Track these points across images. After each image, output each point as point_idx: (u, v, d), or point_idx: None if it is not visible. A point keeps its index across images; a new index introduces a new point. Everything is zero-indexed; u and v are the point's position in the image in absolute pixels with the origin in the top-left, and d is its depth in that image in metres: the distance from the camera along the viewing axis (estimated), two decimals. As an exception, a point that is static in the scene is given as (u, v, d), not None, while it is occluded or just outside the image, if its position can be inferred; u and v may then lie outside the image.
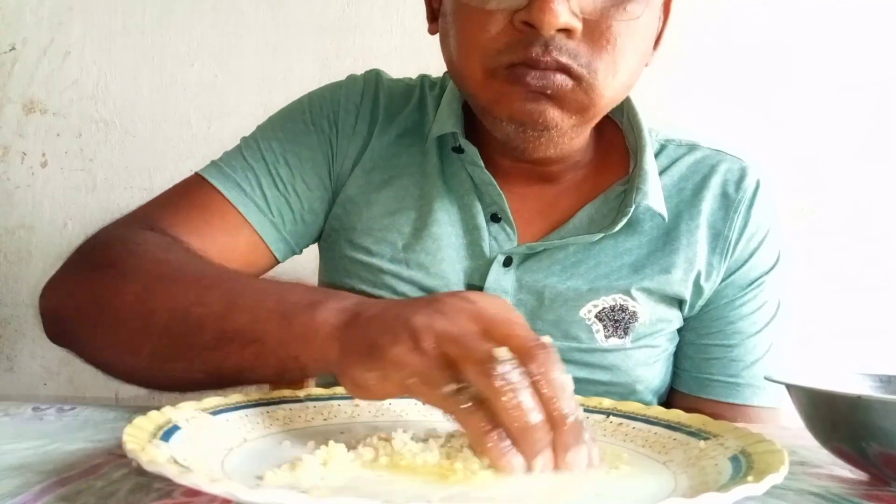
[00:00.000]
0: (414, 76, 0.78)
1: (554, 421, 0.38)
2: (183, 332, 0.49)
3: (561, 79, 0.56)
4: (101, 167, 1.33)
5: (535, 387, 0.38)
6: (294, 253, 0.73)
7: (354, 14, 1.32)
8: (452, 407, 0.39)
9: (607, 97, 0.59)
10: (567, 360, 0.65)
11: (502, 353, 0.38)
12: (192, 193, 0.68)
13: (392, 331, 0.41)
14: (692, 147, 0.73)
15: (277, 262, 0.72)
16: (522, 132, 0.60)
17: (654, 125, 0.74)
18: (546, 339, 0.40)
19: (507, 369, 0.37)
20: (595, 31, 0.56)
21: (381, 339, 0.41)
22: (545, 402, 0.38)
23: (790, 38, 1.32)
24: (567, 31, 0.55)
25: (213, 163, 0.71)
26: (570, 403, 0.38)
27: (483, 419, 0.38)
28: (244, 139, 0.73)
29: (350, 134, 0.73)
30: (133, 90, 1.34)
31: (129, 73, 1.34)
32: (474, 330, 0.40)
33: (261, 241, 0.69)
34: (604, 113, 0.62)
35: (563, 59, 0.55)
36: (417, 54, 1.27)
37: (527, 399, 0.37)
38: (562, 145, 0.62)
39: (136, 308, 0.52)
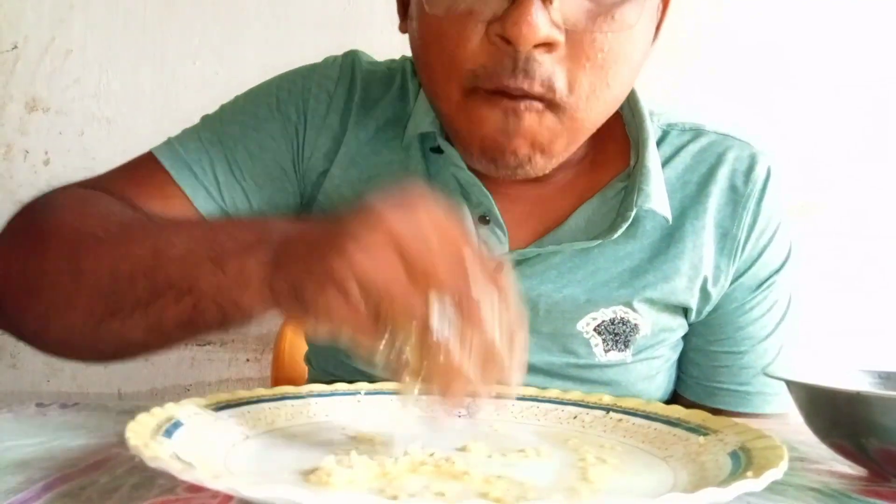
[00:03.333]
0: (392, 60, 0.72)
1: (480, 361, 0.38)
2: (114, 288, 0.45)
3: (536, 106, 0.51)
4: (104, 165, 1.31)
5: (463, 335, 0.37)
6: None
7: (355, 11, 1.32)
8: (386, 362, 0.38)
9: (591, 120, 0.55)
10: (565, 376, 0.64)
11: (434, 307, 0.36)
12: (141, 170, 0.64)
13: (315, 278, 0.38)
14: (697, 132, 0.68)
15: None
16: (494, 168, 0.55)
17: (657, 107, 0.68)
18: (474, 288, 0.38)
19: (438, 325, 0.37)
20: (578, 45, 0.50)
21: (305, 286, 0.38)
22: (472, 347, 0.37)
23: (790, 37, 1.31)
24: (546, 45, 0.49)
25: (168, 140, 0.66)
26: (491, 349, 0.38)
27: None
28: (204, 118, 0.69)
29: (319, 125, 0.66)
30: (135, 87, 1.34)
31: (130, 71, 1.34)
32: (400, 275, 0.37)
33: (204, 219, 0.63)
34: (588, 135, 0.58)
35: (542, 86, 0.50)
36: (419, 51, 1.27)
37: (454, 349, 0.37)
38: (541, 174, 0.57)
39: (64, 267, 0.48)
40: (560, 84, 0.51)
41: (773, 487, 0.37)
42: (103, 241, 0.48)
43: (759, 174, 0.66)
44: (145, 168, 0.64)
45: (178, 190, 0.63)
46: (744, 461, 0.38)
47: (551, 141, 0.54)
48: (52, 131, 1.35)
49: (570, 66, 0.51)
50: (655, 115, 0.68)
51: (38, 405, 0.58)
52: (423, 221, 0.38)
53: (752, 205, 0.65)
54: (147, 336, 0.46)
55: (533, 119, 0.52)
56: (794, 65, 1.31)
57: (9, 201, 1.34)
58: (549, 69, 0.50)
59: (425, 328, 0.37)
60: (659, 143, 0.66)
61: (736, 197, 0.65)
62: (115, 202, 0.56)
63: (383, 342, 0.38)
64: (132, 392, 1.33)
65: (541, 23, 0.48)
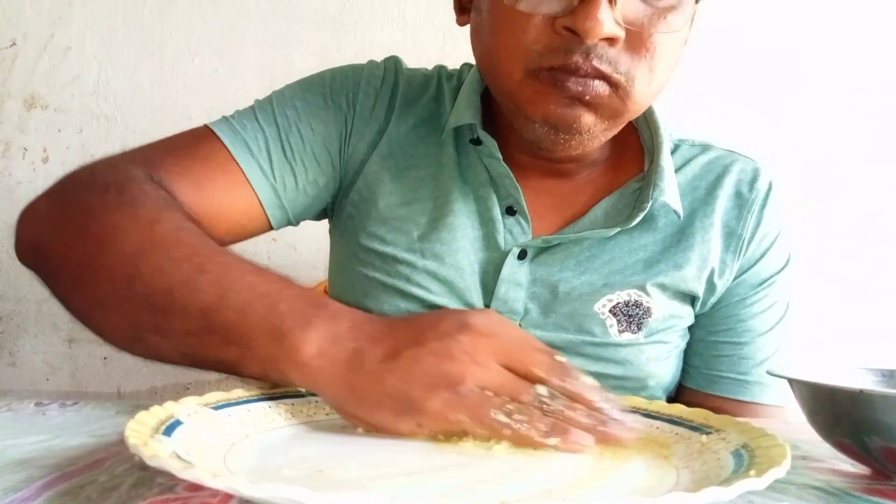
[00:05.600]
0: (427, 69, 0.78)
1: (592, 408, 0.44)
2: (166, 309, 0.48)
3: (599, 85, 0.57)
4: (103, 162, 1.33)
5: (570, 396, 0.44)
6: (290, 223, 0.73)
7: (355, 7, 1.32)
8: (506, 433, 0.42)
9: (640, 104, 0.60)
10: (580, 354, 0.67)
11: (543, 391, 0.43)
12: (198, 145, 0.67)
13: (426, 384, 0.42)
14: (705, 147, 0.74)
15: (271, 228, 0.71)
16: (554, 134, 0.60)
17: (668, 124, 0.73)
18: (559, 357, 0.45)
19: (548, 401, 0.43)
20: (636, 40, 0.56)
21: (413, 392, 0.42)
22: (581, 401, 0.44)
23: (800, 41, 1.31)
24: (609, 40, 0.55)
25: (224, 118, 0.70)
26: (598, 397, 0.44)
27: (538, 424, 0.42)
28: (258, 101, 0.72)
29: (367, 117, 0.72)
30: (134, 85, 1.34)
31: (129, 68, 1.34)
32: (507, 374, 0.43)
33: (258, 204, 0.68)
34: (634, 117, 0.63)
35: (603, 68, 0.56)
36: (419, 48, 1.27)
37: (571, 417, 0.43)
38: (590, 147, 0.63)
39: (124, 270, 0.50)
40: (623, 69, 0.57)
41: (776, 486, 0.37)
42: (168, 257, 0.50)
43: (762, 184, 0.72)
44: (203, 141, 0.67)
45: (234, 165, 0.66)
46: (746, 460, 0.37)
47: (611, 117, 0.59)
48: (51, 129, 1.34)
49: (626, 58, 0.57)
50: (668, 130, 0.72)
51: (38, 404, 0.58)
52: (500, 323, 0.46)
53: (755, 209, 0.71)
54: (179, 359, 0.50)
55: (597, 91, 0.57)
56: (803, 67, 1.31)
57: (7, 199, 1.34)
58: (613, 56, 0.56)
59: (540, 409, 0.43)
60: (671, 153, 0.71)
61: (741, 202, 0.71)
62: (183, 213, 0.58)
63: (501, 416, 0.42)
64: (132, 391, 1.33)
65: (607, 20, 0.53)
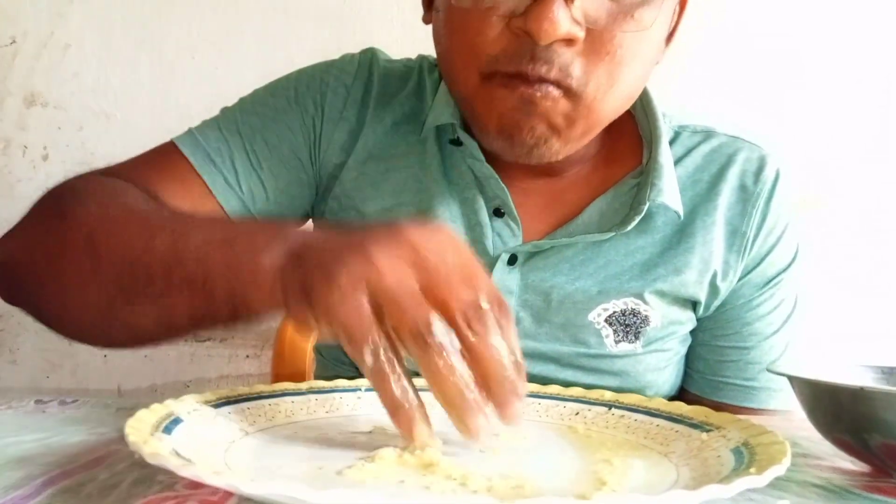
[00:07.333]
0: (409, 59, 0.74)
1: (489, 380, 0.38)
2: (130, 276, 0.47)
3: (552, 91, 0.53)
4: (103, 160, 1.30)
5: (471, 351, 0.37)
6: None
7: (355, 3, 1.32)
8: (367, 369, 0.37)
9: (604, 113, 0.57)
10: (575, 366, 0.65)
11: (438, 325, 0.37)
12: (161, 159, 0.66)
13: (327, 278, 0.37)
14: (708, 134, 0.70)
15: None
16: (510, 147, 0.57)
17: (668, 110, 0.70)
18: (484, 303, 0.38)
19: (441, 338, 0.36)
20: (598, 41, 0.52)
21: (315, 285, 0.38)
22: (479, 364, 0.37)
23: (798, 35, 1.30)
24: (567, 41, 0.51)
25: (190, 131, 0.68)
26: (502, 365, 0.38)
27: (394, 387, 0.37)
28: (224, 110, 0.70)
29: (336, 119, 0.68)
30: (133, 82, 1.33)
31: (129, 66, 1.34)
32: (413, 286, 0.37)
33: (224, 215, 0.65)
34: (602, 126, 0.59)
35: (560, 73, 0.52)
36: (419, 45, 1.26)
37: (457, 365, 0.37)
38: (555, 158, 0.59)
39: (83, 250, 0.49)
40: (577, 73, 0.53)
41: (776, 483, 0.37)
42: (123, 228, 0.49)
43: (768, 175, 0.68)
44: (166, 156, 0.66)
45: (197, 178, 0.65)
46: (747, 457, 0.37)
47: (567, 126, 0.56)
48: (51, 126, 1.34)
49: (587, 60, 0.53)
50: (668, 117, 0.69)
51: (38, 401, 0.58)
52: (444, 242, 0.40)
53: (761, 203, 0.67)
54: (156, 327, 0.47)
55: (549, 104, 0.54)
56: (803, 63, 1.30)
57: (7, 196, 1.34)
58: (568, 59, 0.52)
59: (425, 343, 0.36)
60: (671, 143, 0.68)
61: (745, 196, 0.67)
62: (137, 192, 0.57)
63: (370, 350, 0.37)
64: (132, 388, 1.33)
65: (562, 19, 0.49)
